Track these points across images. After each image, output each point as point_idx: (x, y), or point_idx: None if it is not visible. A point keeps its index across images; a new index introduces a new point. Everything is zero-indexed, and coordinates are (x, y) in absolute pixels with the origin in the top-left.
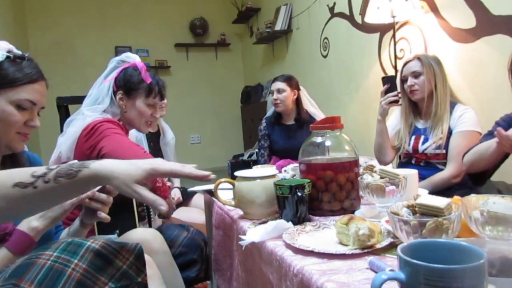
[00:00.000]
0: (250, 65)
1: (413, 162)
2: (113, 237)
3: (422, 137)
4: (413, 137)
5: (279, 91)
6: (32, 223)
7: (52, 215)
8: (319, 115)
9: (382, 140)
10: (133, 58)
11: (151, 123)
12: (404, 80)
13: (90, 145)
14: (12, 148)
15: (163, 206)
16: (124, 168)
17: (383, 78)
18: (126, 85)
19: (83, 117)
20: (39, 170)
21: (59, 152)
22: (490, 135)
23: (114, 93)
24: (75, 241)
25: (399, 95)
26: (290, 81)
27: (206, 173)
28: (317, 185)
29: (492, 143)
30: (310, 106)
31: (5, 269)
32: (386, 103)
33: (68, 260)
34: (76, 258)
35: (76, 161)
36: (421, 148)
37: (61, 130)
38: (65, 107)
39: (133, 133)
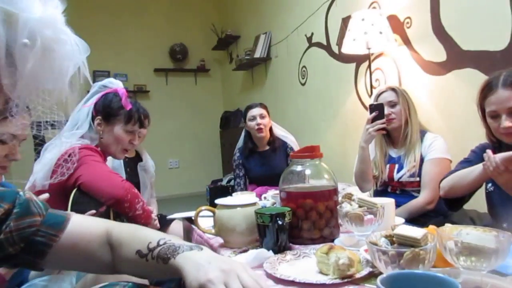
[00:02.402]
0: (230, 91)
1: (389, 190)
2: None
3: (397, 165)
4: (388, 166)
5: (262, 116)
6: None
7: None
8: (289, 137)
9: (365, 167)
10: (116, 84)
11: (127, 150)
12: None
13: None
14: None
15: None
16: (191, 271)
17: (370, 106)
18: (105, 110)
19: (60, 143)
20: (153, 241)
21: (34, 179)
22: (466, 162)
23: (93, 118)
24: (136, 286)
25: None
26: (266, 107)
27: None
28: (297, 213)
29: (475, 168)
30: (278, 130)
31: None
32: (374, 130)
33: None
34: None
35: (174, 242)
36: (396, 176)
37: (36, 155)
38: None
39: (109, 159)
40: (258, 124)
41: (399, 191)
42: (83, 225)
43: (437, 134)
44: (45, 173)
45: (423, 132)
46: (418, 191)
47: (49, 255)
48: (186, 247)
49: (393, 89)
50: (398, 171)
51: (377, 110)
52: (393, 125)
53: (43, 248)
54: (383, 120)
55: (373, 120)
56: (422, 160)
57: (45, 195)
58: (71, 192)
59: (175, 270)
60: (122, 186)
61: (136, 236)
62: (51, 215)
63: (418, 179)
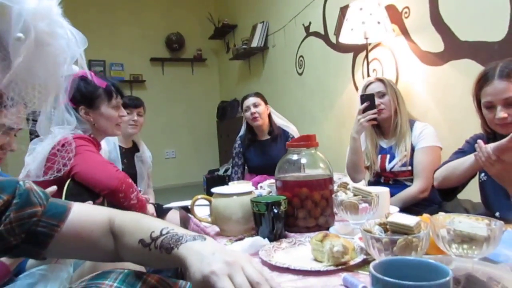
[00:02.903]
0: (226, 81)
1: (382, 181)
2: None
3: (388, 156)
4: (379, 157)
5: (255, 105)
6: None
7: None
8: (290, 126)
9: (357, 158)
10: (75, 70)
11: (120, 124)
12: None
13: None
14: None
15: None
16: (194, 262)
17: (362, 96)
18: (84, 97)
19: (53, 135)
20: (156, 230)
21: (27, 171)
22: (460, 153)
23: (75, 110)
24: (136, 272)
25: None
26: (261, 96)
27: None
28: (293, 202)
29: (467, 158)
30: (279, 119)
31: None
32: (366, 121)
33: None
34: None
35: (177, 231)
36: (388, 166)
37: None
38: (36, 122)
39: (105, 148)
40: (252, 114)
41: (392, 181)
42: (84, 214)
43: (434, 125)
44: (39, 163)
45: (412, 122)
46: (411, 180)
47: (51, 245)
48: (189, 237)
49: (381, 80)
50: (390, 161)
51: (368, 100)
52: (383, 116)
53: (45, 238)
54: (375, 111)
55: (364, 110)
56: (412, 149)
57: (53, 188)
58: (65, 182)
59: (178, 260)
60: (116, 176)
61: (138, 225)
62: (52, 205)
63: (410, 168)
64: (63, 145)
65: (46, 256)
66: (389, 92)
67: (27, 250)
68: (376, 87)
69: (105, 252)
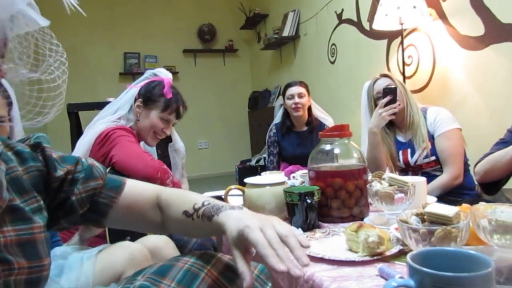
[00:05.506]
0: (258, 71)
1: (409, 175)
2: None
3: (409, 149)
4: (400, 152)
5: (301, 95)
6: None
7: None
8: (328, 119)
9: (378, 153)
10: (164, 74)
11: (159, 137)
12: (377, 98)
13: (103, 153)
14: None
15: (246, 281)
16: (232, 223)
17: (384, 89)
18: (147, 94)
19: (97, 124)
20: (198, 202)
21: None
22: (502, 143)
23: (135, 100)
24: (208, 252)
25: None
26: (306, 86)
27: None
28: (326, 192)
29: (509, 150)
30: (317, 111)
31: (147, 269)
32: (388, 114)
33: (202, 265)
34: (209, 265)
35: (217, 202)
36: (411, 160)
37: (72, 136)
38: (75, 114)
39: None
40: (296, 103)
41: (420, 174)
42: (136, 189)
43: (474, 112)
44: (84, 152)
45: (424, 109)
46: (438, 170)
47: (109, 214)
48: (228, 207)
49: (386, 75)
50: (412, 155)
51: (391, 94)
52: (399, 108)
53: (105, 208)
54: (397, 104)
55: (387, 104)
56: (432, 137)
57: None
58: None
59: (218, 226)
60: (151, 165)
61: (182, 198)
62: (110, 179)
63: (434, 158)
64: (105, 136)
65: (105, 225)
66: (398, 85)
67: (92, 218)
68: (383, 83)
69: (153, 223)
